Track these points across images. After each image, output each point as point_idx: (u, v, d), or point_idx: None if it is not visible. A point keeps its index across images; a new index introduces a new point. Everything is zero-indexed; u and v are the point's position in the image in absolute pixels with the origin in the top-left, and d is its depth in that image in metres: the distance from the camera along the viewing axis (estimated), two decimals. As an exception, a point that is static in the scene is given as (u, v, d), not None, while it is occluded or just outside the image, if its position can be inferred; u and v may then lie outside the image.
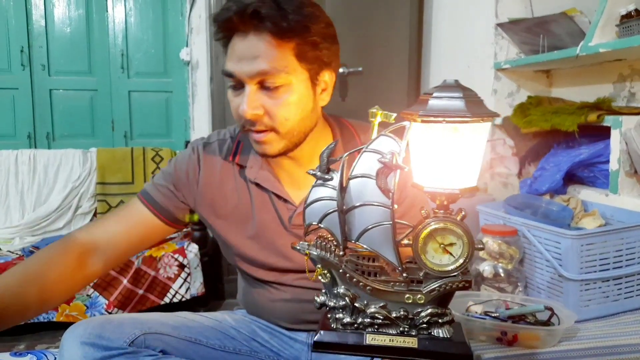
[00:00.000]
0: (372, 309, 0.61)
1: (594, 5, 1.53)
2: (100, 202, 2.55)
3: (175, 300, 2.18)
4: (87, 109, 2.81)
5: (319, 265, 0.63)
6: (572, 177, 1.53)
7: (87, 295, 2.09)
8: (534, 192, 1.54)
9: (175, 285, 2.18)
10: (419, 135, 0.57)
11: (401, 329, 0.61)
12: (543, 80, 1.96)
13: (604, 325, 1.11)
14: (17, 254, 2.15)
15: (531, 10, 1.88)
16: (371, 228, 0.59)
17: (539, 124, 1.59)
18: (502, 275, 1.25)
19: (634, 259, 1.16)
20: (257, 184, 0.88)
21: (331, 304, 0.63)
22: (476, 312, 1.11)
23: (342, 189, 0.60)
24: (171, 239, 2.41)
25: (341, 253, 0.62)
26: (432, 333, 0.61)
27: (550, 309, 1.06)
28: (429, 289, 0.59)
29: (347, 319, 0.62)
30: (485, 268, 1.27)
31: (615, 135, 1.36)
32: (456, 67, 2.19)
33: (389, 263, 0.61)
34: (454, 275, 0.59)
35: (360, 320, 0.62)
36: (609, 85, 1.68)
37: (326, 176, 0.62)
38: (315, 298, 0.64)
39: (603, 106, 1.44)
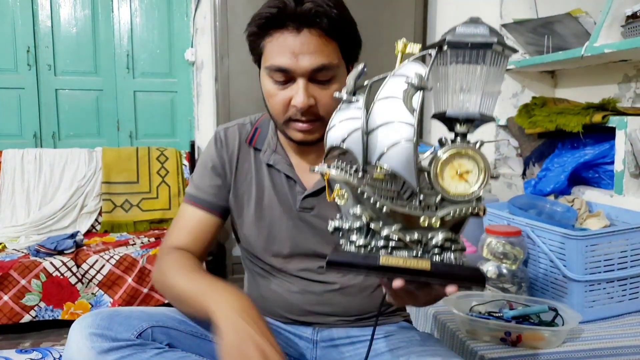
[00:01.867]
0: (386, 231, 0.61)
1: (599, 5, 1.52)
2: (106, 201, 2.57)
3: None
4: (93, 109, 2.83)
5: (338, 186, 0.62)
6: (576, 178, 1.53)
7: (92, 293, 2.10)
8: (539, 193, 1.53)
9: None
10: (443, 62, 0.58)
11: (414, 253, 0.61)
12: (548, 81, 1.96)
13: (608, 326, 1.11)
14: (22, 252, 2.16)
15: (536, 11, 1.88)
16: (393, 146, 0.59)
17: (543, 125, 1.59)
18: (506, 275, 1.25)
19: (638, 260, 1.16)
20: (270, 167, 0.92)
21: (346, 226, 0.62)
22: (480, 313, 1.11)
23: (367, 109, 0.61)
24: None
25: (360, 174, 0.61)
26: (444, 258, 0.61)
27: (555, 310, 1.06)
28: (443, 213, 0.59)
29: (361, 241, 0.62)
30: (489, 268, 1.26)
31: (620, 136, 1.35)
32: (461, 67, 2.18)
33: (409, 184, 0.61)
34: (468, 201, 0.59)
35: (373, 242, 0.62)
36: (614, 86, 1.68)
37: (352, 98, 0.62)
38: (330, 222, 0.64)
39: (608, 107, 1.44)
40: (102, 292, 2.11)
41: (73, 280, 2.07)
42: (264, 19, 0.79)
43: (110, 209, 2.57)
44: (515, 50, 0.59)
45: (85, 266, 2.09)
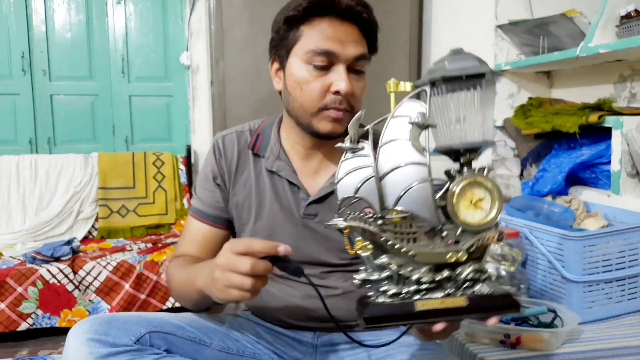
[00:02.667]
0: (417, 275, 0.61)
1: (594, 6, 1.53)
2: (102, 207, 2.56)
3: (177, 304, 2.18)
4: (88, 114, 2.82)
5: (359, 238, 0.62)
6: (573, 179, 1.53)
7: (90, 300, 2.09)
8: (536, 194, 1.53)
9: (177, 290, 2.18)
10: (438, 97, 0.60)
11: (447, 291, 0.61)
12: (544, 82, 1.96)
13: (607, 327, 1.11)
14: (19, 259, 2.15)
15: (531, 12, 1.88)
16: (409, 189, 0.60)
17: (540, 126, 1.59)
18: (505, 277, 1.25)
19: (636, 260, 1.16)
20: (273, 173, 0.92)
21: (374, 277, 0.62)
22: (479, 315, 1.10)
23: (376, 156, 0.61)
24: (173, 243, 2.41)
25: (380, 222, 0.61)
26: (476, 291, 0.62)
27: (553, 311, 1.06)
28: (467, 246, 0.60)
29: (393, 290, 0.61)
30: (488, 270, 1.26)
31: (616, 136, 1.36)
32: (456, 68, 2.19)
33: (430, 223, 0.61)
34: (488, 228, 0.60)
35: (406, 289, 0.61)
36: (609, 86, 1.68)
37: (357, 146, 0.63)
38: (355, 276, 0.63)
39: (604, 107, 1.44)
40: (100, 299, 2.10)
41: (70, 287, 2.06)
42: (309, 3, 0.81)
43: (107, 215, 2.56)
44: (500, 74, 0.62)
45: (82, 273, 2.08)
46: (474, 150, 0.60)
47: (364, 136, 0.64)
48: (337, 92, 0.81)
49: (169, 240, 2.47)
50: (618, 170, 1.36)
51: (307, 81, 0.83)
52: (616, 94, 1.66)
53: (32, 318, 2.03)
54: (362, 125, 0.64)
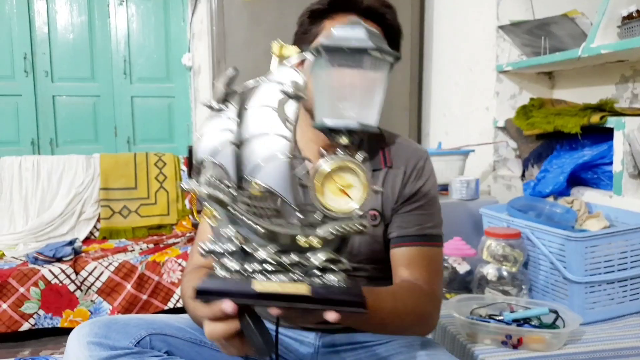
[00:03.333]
0: (262, 254, 0.56)
1: (595, 6, 1.53)
2: (104, 207, 2.56)
3: (179, 305, 2.18)
4: (90, 115, 2.83)
5: (207, 206, 0.57)
6: (575, 179, 1.53)
7: (91, 300, 2.09)
8: (538, 195, 1.53)
9: (179, 290, 2.18)
10: (320, 68, 0.55)
11: (293, 277, 0.56)
12: (545, 82, 1.96)
13: (609, 328, 1.10)
14: (21, 259, 2.15)
15: (532, 13, 1.88)
16: (268, 160, 0.55)
17: (541, 126, 1.59)
18: (507, 278, 1.25)
19: (638, 260, 1.16)
20: None
21: (219, 249, 0.57)
22: (480, 316, 1.10)
23: (239, 119, 0.56)
24: (174, 243, 2.41)
25: (233, 192, 0.56)
26: (326, 281, 0.56)
27: (555, 312, 1.06)
28: (324, 232, 0.55)
29: (235, 266, 0.56)
30: (489, 271, 1.26)
31: (618, 136, 1.35)
32: (458, 69, 2.19)
33: (285, 202, 0.56)
34: (350, 218, 0.56)
35: (249, 267, 0.56)
36: (611, 87, 1.68)
37: (221, 106, 0.57)
38: (201, 245, 0.58)
39: (606, 107, 1.44)
40: (101, 299, 2.10)
41: (72, 287, 2.06)
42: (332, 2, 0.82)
43: (109, 216, 2.57)
44: (398, 57, 0.57)
45: (84, 273, 2.08)
46: (351, 133, 0.56)
47: (236, 98, 0.59)
48: None
49: (171, 241, 2.47)
50: (620, 171, 1.36)
51: None
52: (618, 95, 1.65)
53: (34, 318, 2.03)
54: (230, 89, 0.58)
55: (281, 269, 0.56)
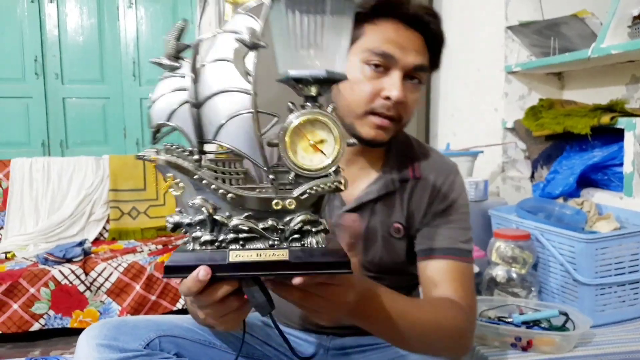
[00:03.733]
0: (235, 221, 0.51)
1: (605, 6, 1.52)
2: (113, 208, 2.58)
3: (187, 306, 2.19)
4: (100, 117, 2.85)
5: (169, 174, 0.53)
6: (585, 180, 1.51)
7: (101, 301, 2.11)
8: (547, 196, 1.52)
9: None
10: (280, 16, 0.51)
11: (270, 242, 0.52)
12: (555, 83, 1.94)
13: (620, 331, 1.09)
14: (31, 260, 2.18)
15: (541, 13, 1.87)
16: (229, 120, 0.50)
17: (551, 127, 1.58)
18: (516, 280, 1.24)
19: (650, 263, 1.14)
20: None
21: (186, 220, 0.53)
22: (489, 318, 1.10)
23: (195, 77, 0.51)
24: (184, 244, 2.42)
25: (196, 157, 0.52)
26: (305, 244, 0.53)
27: (565, 314, 1.05)
28: (299, 192, 0.51)
29: (207, 237, 0.52)
30: (498, 273, 1.26)
31: (629, 137, 1.34)
32: (466, 70, 2.18)
33: (254, 164, 0.52)
34: (326, 175, 0.52)
35: (222, 237, 0.52)
36: (621, 87, 1.67)
37: (174, 63, 0.52)
38: (168, 219, 0.54)
39: (616, 108, 1.43)
40: (111, 300, 2.11)
41: (82, 288, 2.08)
42: (379, 2, 0.78)
43: (118, 217, 2.59)
44: (355, 2, 0.54)
45: (93, 274, 2.10)
46: (319, 83, 0.51)
47: (189, 53, 0.54)
48: (387, 98, 0.77)
49: (179, 242, 2.48)
50: (631, 172, 1.35)
51: (359, 81, 0.78)
52: (628, 95, 1.64)
53: (44, 318, 2.05)
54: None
55: (256, 235, 0.52)
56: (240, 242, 0.52)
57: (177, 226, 0.54)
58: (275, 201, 0.51)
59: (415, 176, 0.85)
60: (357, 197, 0.84)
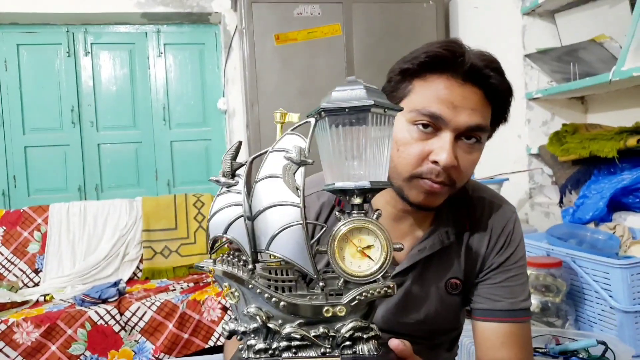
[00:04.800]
0: (287, 329, 0.54)
1: (624, 30, 1.52)
2: (146, 248, 2.64)
3: (219, 343, 2.20)
4: (133, 160, 2.97)
5: (226, 284, 0.56)
6: (616, 204, 1.49)
7: (135, 340, 2.14)
8: (578, 221, 1.50)
9: (219, 329, 2.20)
10: (324, 131, 0.55)
11: (322, 350, 0.54)
12: (578, 107, 1.94)
13: (665, 360, 1.05)
14: (69, 302, 2.24)
15: (559, 39, 1.89)
16: (280, 231, 0.53)
17: (577, 152, 1.57)
18: (550, 309, 1.21)
19: (691, 287, 1.10)
20: None
21: (241, 328, 0.55)
22: (525, 349, 1.07)
23: (248, 192, 0.55)
24: (214, 282, 2.45)
25: (250, 267, 0.55)
26: (357, 351, 0.54)
27: (604, 344, 1.02)
28: (349, 299, 0.53)
29: (261, 345, 0.54)
30: (532, 302, 1.23)
31: (658, 159, 1.32)
32: (487, 99, 2.19)
33: (305, 272, 0.54)
34: (375, 281, 0.53)
35: (275, 344, 0.54)
36: (647, 108, 1.65)
37: (230, 181, 0.57)
38: (224, 326, 0.56)
39: (642, 130, 1.41)
40: (145, 339, 2.14)
41: (117, 328, 2.12)
42: (430, 57, 0.71)
43: (151, 256, 2.65)
44: (400, 109, 0.56)
45: (128, 314, 2.14)
46: (363, 192, 0.54)
47: (243, 170, 0.58)
48: (435, 162, 0.69)
49: (210, 279, 2.51)
50: (663, 194, 1.32)
51: (406, 142, 0.71)
52: (655, 116, 1.62)
53: (81, 359, 2.09)
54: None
55: (308, 343, 0.54)
56: (293, 350, 0.54)
57: (232, 334, 0.56)
58: (325, 308, 0.54)
59: (471, 227, 0.79)
60: (409, 255, 0.78)
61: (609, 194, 1.43)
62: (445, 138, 0.69)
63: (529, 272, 1.24)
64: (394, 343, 0.57)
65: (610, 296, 1.10)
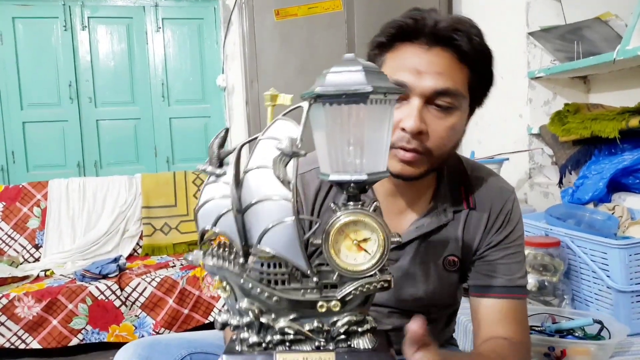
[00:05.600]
0: (281, 324, 0.53)
1: (630, 8, 1.50)
2: (146, 225, 2.66)
3: (218, 319, 2.23)
4: (131, 137, 2.95)
5: (217, 277, 0.54)
6: (616, 185, 1.48)
7: (136, 315, 2.16)
8: (577, 202, 1.50)
9: (219, 304, 2.23)
10: (318, 116, 0.51)
11: (316, 344, 0.53)
12: (580, 87, 1.92)
13: (658, 339, 1.06)
14: (69, 277, 2.26)
15: (563, 17, 1.85)
16: (272, 227, 0.51)
17: (578, 132, 1.56)
18: (548, 288, 1.22)
19: (687, 268, 1.11)
20: None
21: (234, 322, 0.54)
22: (521, 327, 1.09)
23: (238, 184, 0.52)
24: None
25: (241, 260, 0.53)
26: (352, 345, 0.53)
27: (600, 323, 1.03)
28: (344, 294, 0.52)
29: (254, 339, 0.53)
30: (529, 281, 1.24)
31: (659, 140, 1.32)
32: (489, 78, 2.17)
33: (298, 267, 0.52)
34: (371, 275, 0.51)
35: (269, 338, 0.53)
36: (650, 89, 1.63)
37: (217, 171, 0.53)
38: (216, 317, 0.55)
39: (645, 110, 1.40)
40: (145, 314, 2.17)
41: (117, 303, 2.15)
42: (394, 28, 0.72)
43: (151, 233, 2.66)
44: (401, 91, 0.51)
45: (128, 289, 2.16)
46: (360, 183, 0.51)
47: (231, 158, 0.54)
48: (403, 129, 0.69)
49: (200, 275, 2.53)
50: (663, 175, 1.32)
51: None
52: (658, 97, 1.61)
53: (82, 334, 2.12)
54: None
55: (302, 337, 0.53)
56: (287, 344, 0.53)
57: (225, 325, 0.55)
58: (320, 304, 0.52)
59: (469, 206, 0.79)
60: (406, 231, 0.78)
61: (609, 175, 1.43)
62: (412, 104, 0.69)
63: (527, 251, 1.25)
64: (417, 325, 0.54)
65: (608, 276, 1.10)
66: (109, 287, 2.14)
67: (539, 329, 1.06)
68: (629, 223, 1.30)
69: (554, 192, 1.77)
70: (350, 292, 0.52)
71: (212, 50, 2.97)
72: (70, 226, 2.61)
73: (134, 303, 2.16)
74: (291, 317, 0.53)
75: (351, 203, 0.52)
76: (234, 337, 0.55)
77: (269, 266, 0.53)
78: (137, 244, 2.67)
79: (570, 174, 1.67)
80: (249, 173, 0.52)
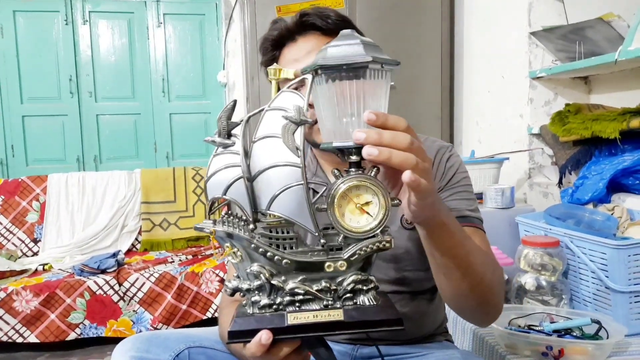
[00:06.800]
0: (291, 285, 0.56)
1: (632, 8, 1.49)
2: (145, 220, 2.65)
3: (217, 315, 2.23)
4: (131, 132, 2.95)
5: (227, 244, 0.57)
6: (615, 186, 1.48)
7: (134, 311, 2.16)
8: (576, 202, 1.50)
9: (217, 300, 2.23)
10: (320, 88, 0.54)
11: (325, 302, 0.56)
12: (581, 87, 1.92)
13: (656, 339, 1.07)
14: (68, 271, 2.26)
15: (565, 17, 1.85)
16: (281, 192, 0.54)
17: (578, 132, 1.56)
18: (546, 287, 1.22)
19: (686, 269, 1.11)
20: (313, 192, 0.89)
21: (245, 286, 0.57)
22: (519, 326, 1.09)
23: (246, 153, 0.55)
24: (212, 255, 2.47)
25: (251, 226, 0.56)
26: (358, 302, 0.57)
27: (598, 322, 1.03)
28: (349, 254, 0.55)
29: (265, 301, 0.56)
30: (527, 280, 1.24)
31: (660, 141, 1.31)
32: (490, 77, 2.17)
33: (306, 230, 0.55)
34: (373, 236, 0.55)
35: (279, 299, 0.56)
36: (651, 90, 1.63)
37: (227, 141, 0.56)
38: (227, 283, 0.58)
39: (646, 111, 1.40)
40: (143, 310, 2.17)
41: (115, 298, 2.15)
42: (269, 41, 0.85)
43: (150, 228, 2.66)
44: (397, 63, 0.55)
45: (126, 284, 2.16)
46: (361, 147, 0.53)
47: (239, 129, 0.58)
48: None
49: (209, 252, 2.53)
50: (663, 177, 1.32)
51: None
52: (659, 98, 1.60)
53: (80, 328, 2.12)
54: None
55: (311, 297, 0.56)
56: (297, 304, 0.56)
57: (235, 291, 0.58)
58: (327, 264, 0.56)
59: None
60: None
61: (608, 175, 1.43)
62: (307, 86, 0.75)
63: (526, 250, 1.25)
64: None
65: (606, 276, 1.10)
66: (107, 282, 2.14)
67: (537, 328, 1.06)
68: (628, 224, 1.30)
69: (553, 192, 1.77)
70: (355, 252, 0.55)
71: (213, 47, 2.97)
72: (69, 220, 2.61)
73: (132, 298, 2.16)
74: (300, 278, 0.56)
75: (353, 170, 0.55)
76: (244, 302, 0.58)
77: (277, 231, 0.56)
78: (136, 239, 2.67)
79: (570, 174, 1.67)
80: (256, 143, 0.55)
